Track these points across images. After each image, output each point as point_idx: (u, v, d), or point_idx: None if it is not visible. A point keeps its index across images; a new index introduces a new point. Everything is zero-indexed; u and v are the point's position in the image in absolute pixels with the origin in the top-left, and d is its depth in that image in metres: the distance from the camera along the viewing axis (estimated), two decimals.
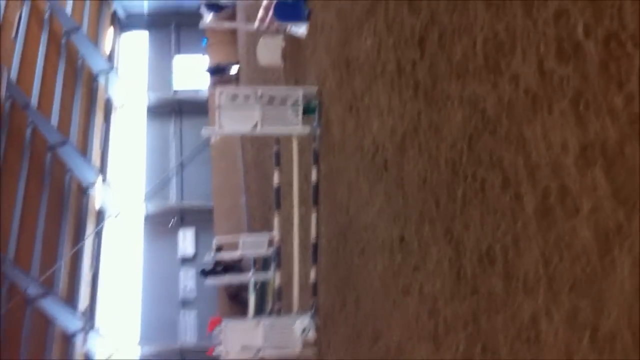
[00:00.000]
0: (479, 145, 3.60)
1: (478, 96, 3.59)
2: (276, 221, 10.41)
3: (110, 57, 30.13)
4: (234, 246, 14.28)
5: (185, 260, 26.01)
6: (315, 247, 8.66)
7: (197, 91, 29.05)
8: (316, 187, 8.57)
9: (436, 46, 4.25)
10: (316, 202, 8.58)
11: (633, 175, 2.34)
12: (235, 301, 20.09)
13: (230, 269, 18.72)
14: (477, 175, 3.63)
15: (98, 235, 25.66)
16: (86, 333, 21.92)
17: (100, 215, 26.47)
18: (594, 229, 2.59)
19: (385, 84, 5.51)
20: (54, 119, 22.91)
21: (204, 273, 18.62)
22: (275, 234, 10.67)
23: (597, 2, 2.49)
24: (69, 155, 23.49)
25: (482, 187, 3.58)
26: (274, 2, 9.46)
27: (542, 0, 2.89)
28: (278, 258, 11.04)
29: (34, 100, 21.54)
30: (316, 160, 8.54)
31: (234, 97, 8.29)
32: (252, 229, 18.66)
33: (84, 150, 25.56)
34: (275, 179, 10.17)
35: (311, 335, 8.68)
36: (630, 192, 2.37)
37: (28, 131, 21.35)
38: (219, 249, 18.27)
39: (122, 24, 32.70)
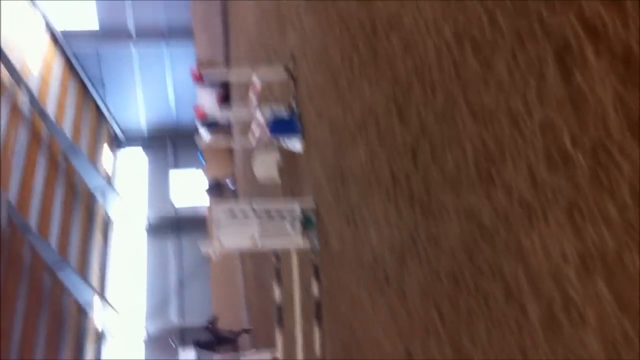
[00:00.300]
0: (478, 256, 3.56)
1: (473, 207, 3.59)
2: (279, 339, 10.18)
3: (109, 176, 30.55)
4: None
5: None
6: None
7: (196, 207, 29.26)
8: (318, 303, 8.44)
9: (428, 157, 4.29)
10: (318, 317, 8.42)
11: (634, 283, 2.30)
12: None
13: (224, 340, 18.51)
14: (479, 286, 3.57)
15: (97, 356, 25.07)
16: None
17: (99, 336, 25.97)
18: (601, 339, 2.52)
19: (380, 195, 5.53)
20: (53, 240, 22.94)
21: (199, 344, 18.43)
22: (279, 353, 10.40)
23: (581, 112, 2.52)
24: (68, 276, 23.34)
25: (485, 298, 3.51)
26: (269, 118, 9.68)
27: (527, 111, 2.93)
28: None
29: (33, 222, 21.62)
30: (316, 274, 8.46)
31: (231, 213, 8.31)
32: (255, 345, 18.24)
33: (83, 270, 25.41)
34: (277, 295, 10.03)
35: None
36: (632, 301, 2.32)
37: (27, 254, 21.31)
38: (214, 321, 18.60)
39: (120, 142, 33.39)
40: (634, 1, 2.17)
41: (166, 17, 28.05)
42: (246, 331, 19.41)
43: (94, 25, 27.86)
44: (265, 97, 12.45)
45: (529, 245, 3.00)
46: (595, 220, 2.47)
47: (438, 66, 3.97)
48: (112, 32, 28.14)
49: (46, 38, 26.66)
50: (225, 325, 20.08)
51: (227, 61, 25.74)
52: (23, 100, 22.38)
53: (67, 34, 28.08)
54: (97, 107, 31.32)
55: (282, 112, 9.65)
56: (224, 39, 25.43)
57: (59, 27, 27.50)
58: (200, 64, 26.21)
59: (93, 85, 30.29)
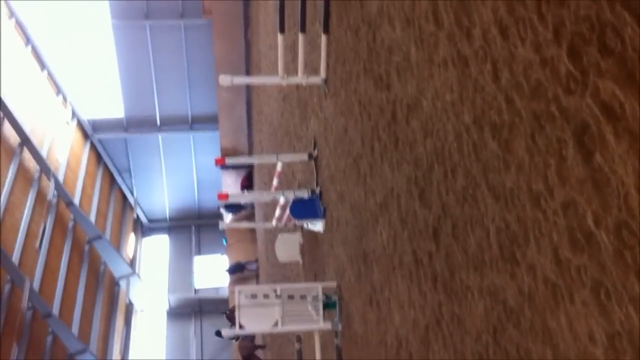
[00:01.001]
0: (504, 337, 3.51)
1: (497, 287, 3.57)
2: None
3: (132, 262, 30.64)
4: None
5: None
6: None
7: (217, 289, 29.14)
8: None
9: (450, 238, 4.30)
10: None
11: None
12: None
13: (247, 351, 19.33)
14: None
15: None
16: None
17: None
18: None
19: (403, 276, 5.50)
20: (75, 327, 22.82)
21: (219, 334, 19.12)
22: None
23: (603, 193, 2.54)
24: None
25: None
26: (290, 201, 9.77)
27: (549, 192, 2.96)
28: None
29: (56, 309, 21.60)
30: (339, 356, 8.31)
31: (253, 296, 8.29)
32: None
33: (104, 355, 25.15)
34: None
35: None
36: None
37: (48, 340, 21.20)
38: (232, 311, 19.43)
39: (144, 227, 33.65)
40: None
41: (191, 106, 28.80)
42: (261, 347, 20.80)
43: (120, 113, 28.65)
44: (287, 181, 12.60)
45: (555, 326, 2.96)
46: (622, 300, 2.45)
47: (458, 149, 4.04)
48: (138, 120, 28.89)
49: (73, 126, 27.41)
50: None
51: (250, 147, 26.21)
52: (50, 188, 22.81)
53: (94, 123, 28.88)
54: (123, 194, 31.80)
55: (304, 194, 9.74)
56: (248, 126, 25.99)
57: (86, 116, 28.30)
58: (224, 150, 26.73)
59: (119, 172, 30.89)
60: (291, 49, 10.84)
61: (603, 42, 2.44)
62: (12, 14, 23.11)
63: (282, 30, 8.54)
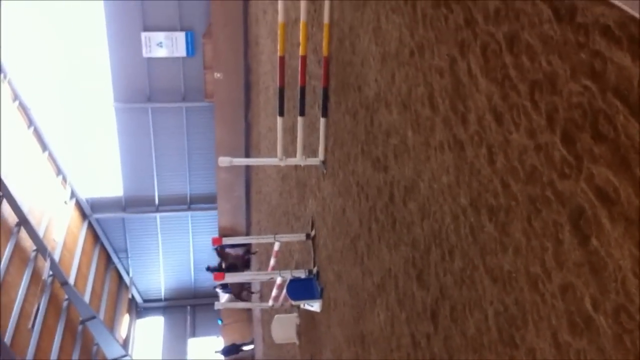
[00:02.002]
0: None
1: None
2: None
3: (125, 343, 30.06)
4: None
5: None
6: None
7: None
8: None
9: (448, 320, 4.26)
10: None
11: None
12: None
13: (233, 267, 19.75)
14: None
15: None
16: None
17: None
18: None
19: (401, 359, 5.42)
20: None
21: (209, 269, 19.42)
22: None
23: (600, 277, 2.56)
24: None
25: None
26: (288, 280, 9.71)
27: (546, 275, 2.97)
28: None
29: None
30: None
31: None
32: None
33: None
34: None
35: None
36: None
37: None
38: (223, 248, 19.28)
39: (139, 309, 33.20)
40: None
41: (190, 186, 28.98)
42: (252, 253, 21.00)
43: (119, 192, 28.78)
44: (285, 260, 12.55)
45: None
46: None
47: (455, 230, 4.07)
48: (137, 200, 28.99)
49: (71, 205, 27.47)
50: None
51: (248, 227, 26.20)
52: (45, 267, 22.65)
53: (92, 202, 28.96)
54: (119, 273, 31.54)
55: (302, 274, 9.70)
56: (246, 206, 26.07)
57: (84, 195, 28.42)
58: (222, 229, 26.71)
59: (115, 252, 30.73)
60: (290, 131, 11.03)
61: (596, 129, 2.51)
62: (15, 96, 23.58)
63: (281, 113, 8.72)
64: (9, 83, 23.15)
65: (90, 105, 26.29)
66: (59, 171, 26.85)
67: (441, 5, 4.19)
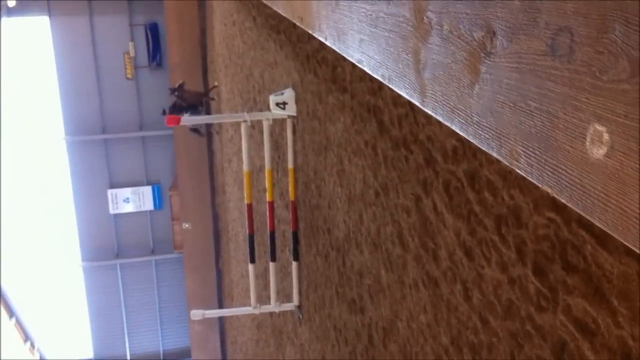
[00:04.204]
0: None
1: None
2: None
3: None
4: None
5: None
6: None
7: None
8: None
9: None
10: None
11: None
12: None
13: (191, 108, 17.49)
14: None
15: None
16: None
17: None
18: None
19: None
20: None
21: (165, 112, 16.58)
22: None
23: None
24: None
25: None
26: None
27: None
28: None
29: None
30: None
31: None
32: None
33: None
34: None
35: None
36: None
37: None
38: (180, 86, 17.02)
39: None
40: (619, 298, 2.27)
41: (163, 342, 28.13)
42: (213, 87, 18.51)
43: (89, 355, 27.73)
44: None
45: None
46: None
47: None
48: None
49: None
50: None
51: None
52: None
53: None
54: None
55: None
56: (222, 358, 25.28)
57: (52, 357, 27.33)
58: None
59: None
60: (263, 277, 10.91)
61: (566, 260, 2.52)
62: (12, 313, 23.25)
63: (252, 260, 8.67)
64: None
65: (56, 266, 25.89)
66: (27, 337, 25.92)
67: (401, 147, 4.31)
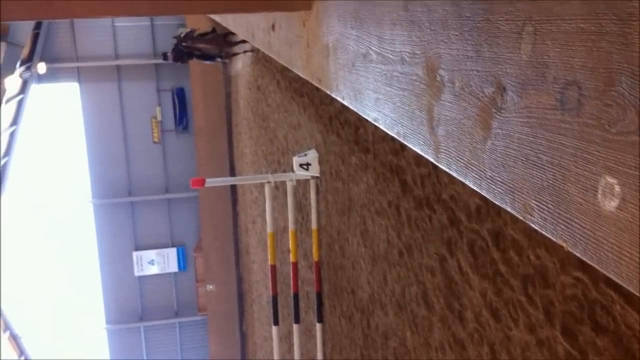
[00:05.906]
0: None
1: None
2: None
3: None
4: None
5: None
6: None
7: None
8: None
9: None
10: None
11: None
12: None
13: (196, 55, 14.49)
14: None
15: None
16: None
17: None
18: None
19: None
20: None
21: (165, 57, 14.62)
22: None
23: None
24: None
25: None
26: None
27: None
28: None
29: None
30: None
31: None
32: None
33: None
34: None
35: None
36: None
37: None
38: (189, 35, 14.06)
39: None
40: None
41: None
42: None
43: None
44: None
45: None
46: None
47: None
48: None
49: None
50: None
51: None
52: None
53: None
54: None
55: None
56: None
57: None
58: None
59: None
60: (286, 339, 10.77)
61: (595, 320, 2.46)
62: (7, 326, 23.24)
63: (276, 322, 8.59)
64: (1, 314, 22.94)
65: (81, 328, 25.85)
66: None
67: (424, 206, 4.30)
